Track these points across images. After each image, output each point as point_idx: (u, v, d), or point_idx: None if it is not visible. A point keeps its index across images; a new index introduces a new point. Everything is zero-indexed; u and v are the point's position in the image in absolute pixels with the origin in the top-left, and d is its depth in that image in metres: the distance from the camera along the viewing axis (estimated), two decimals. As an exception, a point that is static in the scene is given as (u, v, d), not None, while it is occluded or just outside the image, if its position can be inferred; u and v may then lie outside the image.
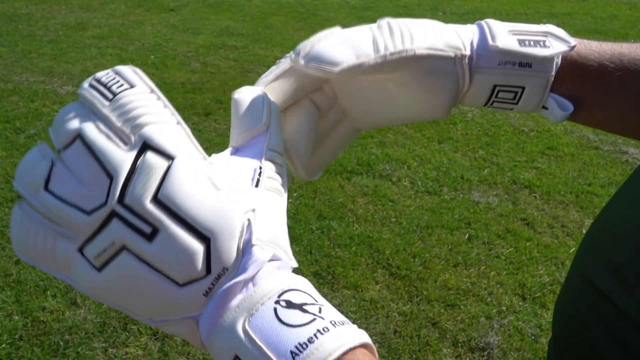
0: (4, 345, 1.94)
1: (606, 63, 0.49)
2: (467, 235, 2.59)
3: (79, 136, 0.34)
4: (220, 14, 6.86)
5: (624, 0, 7.47)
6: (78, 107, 0.36)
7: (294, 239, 2.51)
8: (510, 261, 2.42)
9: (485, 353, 1.96)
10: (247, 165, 0.38)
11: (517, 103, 0.49)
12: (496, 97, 0.49)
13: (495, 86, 0.48)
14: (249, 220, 0.35)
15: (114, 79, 0.37)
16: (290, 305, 0.32)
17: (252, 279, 0.34)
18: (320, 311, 0.32)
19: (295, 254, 2.41)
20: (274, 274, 0.35)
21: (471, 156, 3.34)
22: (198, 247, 0.33)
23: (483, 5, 7.28)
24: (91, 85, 0.36)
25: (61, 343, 1.96)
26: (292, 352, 0.30)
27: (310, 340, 0.31)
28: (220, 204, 0.34)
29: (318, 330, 0.31)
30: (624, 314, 0.44)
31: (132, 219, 0.32)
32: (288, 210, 2.71)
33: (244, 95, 0.42)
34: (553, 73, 0.48)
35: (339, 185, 2.98)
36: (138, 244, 0.32)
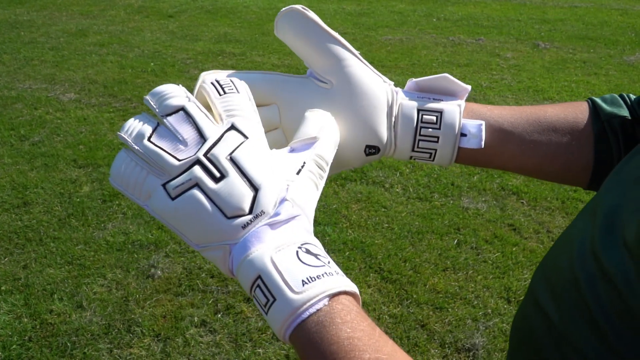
0: (14, 347, 2.05)
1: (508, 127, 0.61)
2: (456, 241, 2.70)
3: (183, 109, 0.48)
4: (218, 20, 6.96)
5: (615, 7, 7.60)
6: (175, 88, 0.50)
7: (290, 244, 2.61)
8: (497, 265, 2.54)
9: (471, 354, 2.07)
10: (296, 159, 0.51)
11: (439, 127, 0.59)
12: (422, 121, 0.59)
13: (419, 110, 0.59)
14: (288, 185, 0.48)
15: (228, 84, 0.52)
16: (308, 252, 0.44)
17: (282, 222, 0.46)
18: (329, 262, 0.44)
19: (291, 258, 2.52)
20: (301, 228, 0.47)
21: (462, 163, 3.45)
22: (249, 192, 0.46)
23: (477, 12, 7.40)
24: (212, 84, 0.51)
25: (68, 344, 2.06)
26: (302, 281, 0.42)
27: (317, 277, 0.42)
28: (271, 170, 0.47)
29: (325, 273, 0.43)
30: (565, 337, 0.49)
31: (209, 166, 0.46)
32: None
33: (312, 114, 0.56)
34: (462, 101, 0.60)
35: (334, 192, 3.09)
36: (207, 182, 0.46)
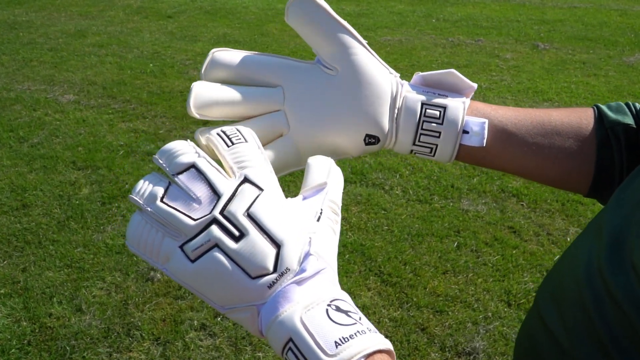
0: (13, 350, 2.04)
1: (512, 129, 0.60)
2: (456, 243, 2.70)
3: (193, 166, 0.47)
4: (217, 21, 6.96)
5: (614, 7, 7.60)
6: (184, 145, 0.49)
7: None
8: (497, 268, 2.53)
9: (472, 357, 2.07)
10: (312, 206, 0.50)
11: (442, 123, 0.59)
12: (425, 115, 0.59)
13: (423, 104, 0.59)
14: (310, 238, 0.46)
15: (235, 133, 0.51)
16: (338, 309, 0.43)
17: (309, 278, 0.45)
18: (360, 319, 0.43)
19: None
20: (328, 282, 0.46)
21: (461, 165, 3.44)
22: (271, 250, 0.44)
23: (476, 12, 7.39)
24: (219, 135, 0.50)
25: (67, 348, 2.05)
26: (335, 342, 0.40)
27: (351, 337, 0.41)
28: (292, 223, 0.46)
29: (358, 332, 0.41)
30: (572, 358, 0.49)
31: (227, 225, 0.45)
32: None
33: (315, 160, 0.55)
34: (466, 99, 0.60)
35: (334, 194, 3.09)
36: (227, 243, 0.44)
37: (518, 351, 0.61)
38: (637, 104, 0.62)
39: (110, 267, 2.48)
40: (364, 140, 0.59)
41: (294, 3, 0.57)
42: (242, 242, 0.44)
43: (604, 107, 0.61)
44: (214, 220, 0.45)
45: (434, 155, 0.60)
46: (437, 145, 0.59)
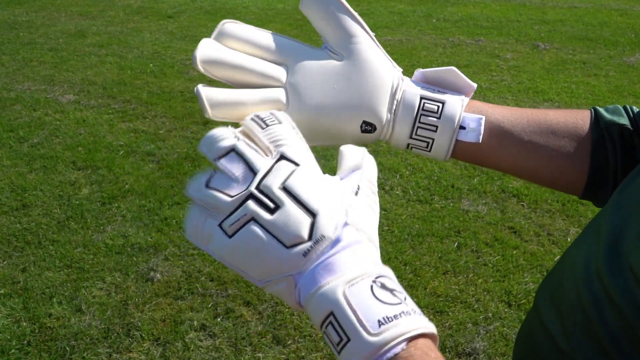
0: (13, 351, 2.04)
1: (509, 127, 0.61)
2: (456, 244, 2.69)
3: (233, 149, 0.49)
4: (218, 21, 6.90)
5: (614, 7, 7.59)
6: (224, 131, 0.50)
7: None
8: (497, 269, 2.53)
9: (472, 358, 2.07)
10: (350, 183, 0.50)
11: (439, 117, 0.59)
12: (423, 108, 0.59)
13: (421, 97, 0.59)
14: (347, 210, 0.46)
15: (269, 116, 0.52)
16: (384, 287, 0.42)
17: (348, 247, 0.44)
18: (405, 299, 0.42)
19: (291, 261, 2.51)
20: (371, 257, 0.45)
21: (462, 165, 3.44)
22: (306, 219, 0.44)
23: (476, 12, 7.39)
24: (252, 120, 0.52)
25: (67, 349, 2.05)
26: (379, 321, 0.39)
27: (395, 317, 0.40)
28: (328, 194, 0.47)
29: (403, 312, 0.40)
30: (570, 358, 0.49)
31: (263, 198, 0.45)
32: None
33: (348, 147, 0.55)
34: (465, 97, 0.60)
35: (334, 194, 3.08)
36: (263, 215, 0.45)
37: (517, 352, 0.61)
38: (634, 107, 0.62)
39: (110, 267, 2.48)
40: (361, 127, 0.59)
41: None
42: (277, 214, 0.45)
43: (600, 109, 0.62)
44: (250, 196, 0.45)
45: (430, 151, 0.60)
46: (433, 139, 0.59)
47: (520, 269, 2.53)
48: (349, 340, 0.40)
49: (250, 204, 0.45)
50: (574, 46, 5.94)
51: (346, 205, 0.47)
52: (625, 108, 0.62)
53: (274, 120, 0.51)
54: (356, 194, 0.49)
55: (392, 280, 0.43)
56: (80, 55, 5.50)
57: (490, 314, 2.26)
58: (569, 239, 2.75)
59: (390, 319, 0.40)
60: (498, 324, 2.21)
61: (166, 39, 6.09)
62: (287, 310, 2.24)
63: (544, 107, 4.29)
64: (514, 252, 2.65)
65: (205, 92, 0.54)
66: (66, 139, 3.71)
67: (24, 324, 2.16)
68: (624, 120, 0.60)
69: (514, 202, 3.08)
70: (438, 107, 0.59)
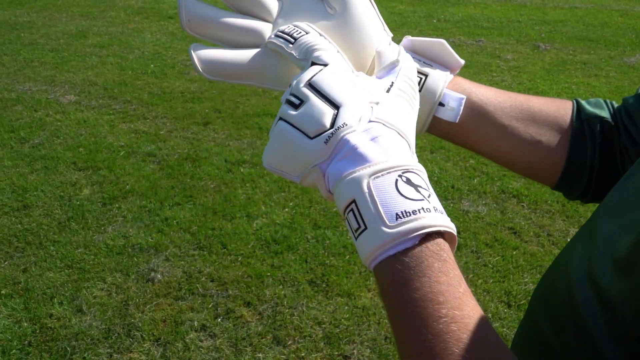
0: (14, 351, 2.04)
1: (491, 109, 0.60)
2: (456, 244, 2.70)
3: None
4: (219, 21, 6.96)
5: (615, 7, 7.59)
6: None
7: (290, 247, 2.61)
8: (497, 269, 2.53)
9: (471, 358, 2.07)
10: (384, 81, 0.50)
11: (420, 90, 0.58)
12: None
13: None
14: (372, 107, 0.46)
15: (294, 29, 0.53)
16: (409, 182, 0.41)
17: (375, 140, 0.44)
18: (429, 196, 0.41)
19: (291, 262, 2.52)
20: (401, 150, 0.44)
21: (462, 166, 3.45)
22: (330, 111, 0.46)
23: (477, 13, 7.40)
24: (277, 35, 0.53)
25: (68, 349, 2.06)
26: (397, 214, 0.40)
27: (413, 212, 0.40)
28: (352, 90, 0.47)
29: (422, 208, 0.40)
30: (561, 355, 0.49)
31: (290, 97, 0.48)
32: (284, 220, 2.81)
33: (384, 47, 0.55)
34: (450, 74, 0.59)
35: (334, 195, 3.09)
36: (288, 111, 0.47)
37: (513, 352, 0.61)
38: (614, 102, 0.62)
39: (111, 267, 2.48)
40: None
41: None
42: (301, 108, 0.46)
43: (583, 102, 0.62)
44: (285, 100, 0.48)
45: None
46: None
47: (520, 270, 2.53)
48: (365, 228, 0.41)
49: (283, 105, 0.48)
50: (575, 47, 5.95)
51: (375, 101, 0.47)
52: (606, 102, 0.62)
53: (300, 32, 0.52)
54: (388, 91, 0.49)
55: (419, 177, 0.43)
56: (81, 55, 5.51)
57: (490, 315, 2.26)
58: (568, 240, 2.76)
59: (408, 214, 0.40)
60: (498, 325, 2.21)
61: (167, 40, 6.10)
62: (287, 310, 2.24)
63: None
64: (514, 252, 2.65)
65: (187, 5, 0.54)
66: (67, 139, 3.72)
67: (25, 324, 2.17)
68: (605, 114, 0.60)
69: (514, 202, 3.08)
70: (421, 79, 0.58)
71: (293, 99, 0.47)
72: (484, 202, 3.07)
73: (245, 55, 0.55)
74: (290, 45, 0.52)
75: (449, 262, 0.40)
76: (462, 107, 0.58)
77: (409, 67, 0.52)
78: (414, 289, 0.39)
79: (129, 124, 3.98)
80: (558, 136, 0.60)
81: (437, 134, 0.61)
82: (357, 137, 0.44)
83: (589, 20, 6.99)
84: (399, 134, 0.46)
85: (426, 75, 0.58)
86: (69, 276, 2.43)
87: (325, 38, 0.53)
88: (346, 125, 0.45)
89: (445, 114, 0.58)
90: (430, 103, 0.58)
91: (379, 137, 0.44)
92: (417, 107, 0.51)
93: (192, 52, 0.54)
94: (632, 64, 5.35)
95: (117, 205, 2.96)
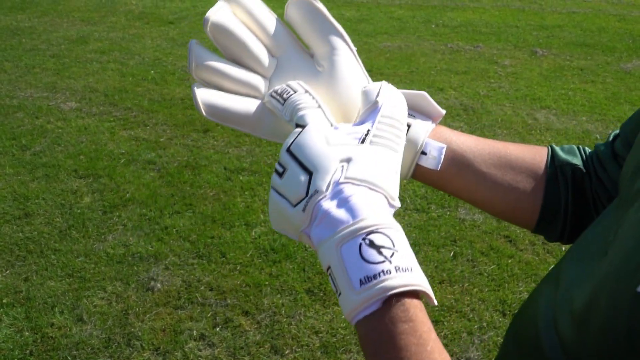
0: (16, 361, 2.08)
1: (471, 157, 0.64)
2: (452, 253, 2.73)
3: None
4: (219, 26, 6.99)
5: (612, 12, 7.63)
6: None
7: (288, 256, 2.65)
8: (493, 278, 2.57)
9: (466, 367, 2.10)
10: (360, 129, 0.52)
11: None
12: None
13: None
14: (342, 166, 0.49)
15: (284, 89, 0.57)
16: (372, 244, 0.43)
17: (344, 203, 0.46)
18: (392, 256, 0.43)
19: (289, 271, 2.55)
20: (371, 208, 0.46)
21: (459, 173, 3.48)
22: (304, 178, 0.49)
23: (475, 18, 7.43)
24: (271, 95, 0.58)
25: (69, 358, 2.09)
26: (360, 280, 0.42)
27: (374, 277, 0.41)
28: (325, 153, 0.49)
29: (383, 271, 0.42)
30: None
31: (277, 165, 0.52)
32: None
33: (367, 87, 0.58)
34: (432, 123, 0.63)
35: (332, 203, 3.12)
36: (275, 180, 0.51)
37: None
38: (587, 149, 0.66)
39: (111, 276, 2.52)
40: None
41: (293, 2, 0.60)
42: (284, 176, 0.50)
43: (557, 148, 0.65)
44: (275, 169, 0.52)
45: None
46: None
47: (515, 278, 2.56)
48: (340, 293, 0.44)
49: (273, 174, 0.52)
50: (572, 52, 5.98)
51: (347, 157, 0.49)
52: (579, 149, 0.66)
53: (289, 92, 0.56)
54: (363, 140, 0.50)
55: (384, 236, 0.44)
56: (82, 61, 5.55)
57: (484, 324, 2.30)
58: (563, 248, 2.79)
59: (369, 279, 0.42)
60: (492, 334, 2.25)
61: (167, 45, 6.13)
62: (285, 320, 2.28)
63: (542, 115, 4.33)
64: (509, 261, 2.69)
65: (197, 51, 0.58)
66: (68, 147, 3.75)
67: (27, 333, 2.20)
68: (577, 161, 0.64)
69: (510, 210, 3.11)
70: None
71: (278, 167, 0.51)
72: (479, 210, 3.10)
73: (244, 105, 0.59)
74: (281, 107, 0.56)
75: (416, 320, 0.42)
76: (442, 156, 0.61)
77: (390, 105, 0.54)
78: (384, 351, 0.41)
79: (130, 131, 4.02)
80: (534, 182, 0.63)
81: (420, 179, 0.64)
82: (327, 203, 0.47)
83: (586, 26, 7.03)
84: (370, 188, 0.48)
85: (409, 126, 0.62)
86: (70, 285, 2.47)
87: (309, 94, 0.56)
88: (317, 192, 0.47)
89: (428, 162, 0.61)
90: (413, 152, 0.61)
91: (349, 197, 0.46)
92: (401, 145, 0.53)
93: (195, 93, 0.58)
94: (629, 70, 5.39)
95: (117, 213, 3.00)
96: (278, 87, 0.58)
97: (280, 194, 0.50)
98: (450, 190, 0.65)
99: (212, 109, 0.58)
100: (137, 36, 6.50)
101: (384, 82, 0.58)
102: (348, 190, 0.47)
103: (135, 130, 4.04)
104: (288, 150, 0.51)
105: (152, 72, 5.27)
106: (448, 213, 3.07)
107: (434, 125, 0.63)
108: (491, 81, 5.10)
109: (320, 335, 2.21)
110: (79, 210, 3.02)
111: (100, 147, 3.75)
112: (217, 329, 2.23)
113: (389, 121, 0.53)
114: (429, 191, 3.27)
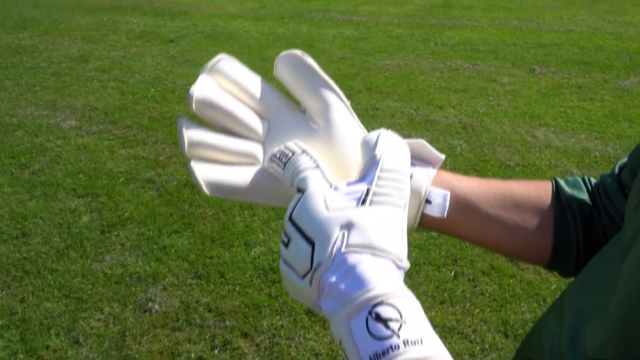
0: (11, 384, 2.05)
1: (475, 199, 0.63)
2: (453, 272, 2.71)
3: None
4: (218, 45, 7.04)
5: (609, 31, 7.68)
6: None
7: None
8: (494, 298, 2.54)
9: (468, 390, 2.07)
10: (360, 187, 0.49)
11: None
12: None
13: None
14: (343, 233, 0.46)
15: (283, 152, 0.56)
16: (378, 318, 0.41)
17: (346, 273, 0.44)
18: (399, 328, 0.40)
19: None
20: (372, 276, 0.43)
21: (459, 192, 3.46)
22: (307, 249, 0.46)
23: (473, 36, 7.48)
24: (272, 160, 0.56)
25: (65, 381, 2.06)
26: (369, 357, 0.39)
27: (383, 354, 0.39)
28: (325, 220, 0.47)
29: (390, 347, 0.39)
30: None
31: (282, 235, 0.50)
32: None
33: (365, 139, 0.55)
34: (432, 169, 0.61)
35: (332, 222, 3.11)
36: (283, 251, 0.49)
37: None
38: (592, 179, 0.65)
39: (109, 297, 2.49)
40: None
41: (282, 60, 0.59)
42: (290, 247, 0.48)
43: (561, 182, 0.64)
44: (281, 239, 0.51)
45: None
46: None
47: (517, 298, 2.54)
48: None
49: (281, 244, 0.50)
50: (570, 70, 6.00)
51: (347, 222, 0.46)
52: (584, 180, 0.65)
53: (287, 155, 0.55)
54: (363, 201, 0.48)
55: (390, 307, 0.42)
56: (82, 80, 5.57)
57: (487, 345, 2.27)
58: (565, 268, 2.77)
59: (378, 356, 0.40)
60: (495, 356, 2.22)
61: (167, 64, 6.16)
62: (284, 342, 2.25)
63: (541, 132, 4.33)
64: (511, 280, 2.66)
65: (188, 131, 0.56)
66: (67, 165, 3.75)
67: (21, 356, 2.17)
68: (584, 195, 0.63)
69: (511, 229, 3.09)
70: None
71: (284, 237, 0.49)
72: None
73: (245, 175, 0.58)
74: (282, 172, 0.55)
75: None
76: (447, 202, 0.60)
77: (390, 156, 0.52)
78: None
79: (129, 150, 4.01)
80: (542, 220, 0.62)
81: (426, 227, 0.63)
82: (331, 276, 0.45)
83: (583, 44, 7.07)
84: (374, 254, 0.45)
85: (410, 176, 0.60)
86: (67, 306, 2.44)
87: (307, 154, 0.54)
88: (321, 264, 0.45)
89: (433, 210, 0.60)
90: (418, 202, 0.60)
91: (353, 268, 0.44)
92: (405, 198, 0.50)
93: (194, 171, 0.56)
94: (626, 88, 5.40)
95: (115, 232, 2.98)
96: (276, 149, 0.57)
97: (288, 264, 0.48)
98: (458, 235, 0.64)
99: (215, 186, 0.56)
100: (137, 54, 6.53)
101: (382, 131, 0.55)
102: (351, 259, 0.45)
103: (134, 148, 4.03)
104: (290, 219, 0.49)
105: (152, 90, 5.28)
106: (448, 232, 3.05)
107: (435, 171, 0.62)
108: (490, 99, 5.11)
109: (320, 357, 2.18)
110: (77, 230, 3.00)
111: (100, 166, 3.74)
112: (216, 351, 2.20)
113: (390, 175, 0.50)
114: (429, 210, 3.25)
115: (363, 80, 5.60)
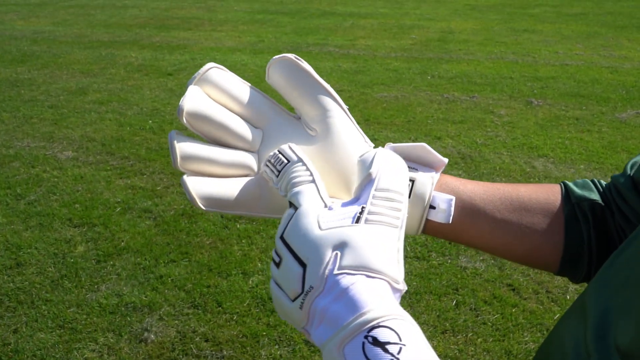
0: (-1, 418, 1.98)
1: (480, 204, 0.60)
2: (454, 302, 2.66)
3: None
4: (217, 78, 7.08)
5: (605, 65, 7.78)
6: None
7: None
8: (497, 327, 2.49)
9: (473, 422, 2.01)
10: (353, 209, 0.47)
11: (409, 196, 0.58)
12: None
13: None
14: (336, 254, 0.44)
15: (277, 159, 0.53)
16: (375, 342, 0.39)
17: (339, 296, 0.42)
18: (399, 352, 0.38)
19: (288, 321, 2.47)
20: (368, 299, 0.41)
21: (459, 221, 3.44)
22: (299, 271, 0.44)
23: (470, 70, 7.56)
24: (266, 165, 0.54)
25: (56, 414, 1.99)
26: None
27: None
28: (317, 241, 0.45)
29: None
30: None
31: (274, 254, 0.47)
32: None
33: (361, 158, 0.54)
34: (436, 173, 0.59)
35: (331, 251, 3.06)
36: (274, 270, 0.47)
37: None
38: (602, 182, 0.63)
39: (103, 327, 2.43)
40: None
41: (275, 64, 0.56)
42: (281, 267, 0.46)
43: (570, 184, 0.62)
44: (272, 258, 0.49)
45: None
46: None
47: (520, 328, 2.49)
48: None
49: (271, 263, 0.48)
50: (567, 102, 6.05)
51: (341, 242, 0.44)
52: (594, 182, 0.62)
53: (282, 162, 0.53)
54: (357, 220, 0.46)
55: (387, 329, 0.40)
56: (80, 112, 5.58)
57: (491, 376, 2.21)
58: (568, 297, 2.72)
59: None
60: (499, 386, 2.16)
61: (165, 96, 6.19)
62: (283, 372, 2.19)
63: (540, 163, 4.34)
64: (513, 310, 2.61)
65: (179, 144, 0.53)
66: (63, 195, 3.72)
67: (13, 388, 2.11)
68: (595, 196, 0.61)
69: (512, 258, 3.06)
70: (408, 185, 0.58)
71: (275, 256, 0.47)
72: (481, 257, 3.05)
73: (240, 187, 0.56)
74: (275, 179, 0.53)
75: None
76: (452, 208, 0.58)
77: (386, 175, 0.50)
78: None
79: (126, 180, 3.99)
80: (552, 223, 0.60)
81: (432, 234, 0.61)
82: (324, 300, 0.43)
83: (579, 77, 7.15)
84: (368, 276, 0.43)
85: (413, 181, 0.58)
86: (60, 337, 2.38)
87: (303, 163, 0.52)
88: (312, 288, 0.43)
89: (438, 216, 0.58)
90: (421, 208, 0.58)
91: (346, 290, 0.42)
92: (401, 218, 0.48)
93: (187, 185, 0.54)
94: (624, 120, 5.44)
95: (111, 262, 2.93)
96: (272, 154, 0.54)
97: (279, 285, 0.46)
98: (465, 241, 0.62)
99: (209, 199, 0.54)
100: (135, 87, 6.57)
101: (379, 149, 0.54)
102: (344, 281, 0.42)
103: (131, 179, 4.01)
104: (281, 237, 0.47)
105: (150, 121, 5.29)
106: (449, 261, 3.02)
107: (438, 175, 0.60)
108: (488, 130, 5.13)
109: (320, 388, 2.12)
110: (72, 260, 2.95)
111: (96, 196, 3.71)
112: (212, 382, 2.14)
113: (385, 194, 0.48)
114: (429, 239, 3.22)
115: (361, 112, 5.64)
